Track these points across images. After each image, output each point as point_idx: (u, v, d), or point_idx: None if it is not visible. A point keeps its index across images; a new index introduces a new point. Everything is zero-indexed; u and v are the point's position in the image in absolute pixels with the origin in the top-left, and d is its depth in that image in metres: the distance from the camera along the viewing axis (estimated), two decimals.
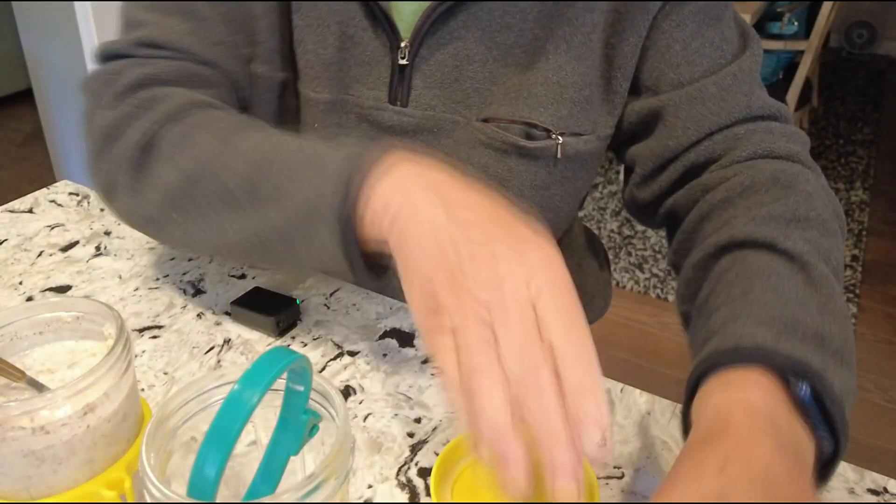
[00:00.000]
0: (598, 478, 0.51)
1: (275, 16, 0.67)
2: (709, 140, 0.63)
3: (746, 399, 0.42)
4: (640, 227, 2.54)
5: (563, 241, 0.84)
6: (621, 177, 2.90)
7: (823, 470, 0.44)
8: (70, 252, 0.75)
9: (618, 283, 2.25)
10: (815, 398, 0.43)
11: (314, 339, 0.64)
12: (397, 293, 0.58)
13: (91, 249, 0.76)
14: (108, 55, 0.65)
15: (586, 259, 0.87)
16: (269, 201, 0.52)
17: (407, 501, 0.49)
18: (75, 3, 2.02)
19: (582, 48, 0.64)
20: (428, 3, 0.64)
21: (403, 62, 0.66)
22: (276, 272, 0.72)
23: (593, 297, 0.88)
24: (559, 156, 0.66)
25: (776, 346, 0.44)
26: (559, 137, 0.66)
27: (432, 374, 0.60)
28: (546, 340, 0.40)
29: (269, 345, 0.63)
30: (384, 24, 0.65)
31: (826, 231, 0.55)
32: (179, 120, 0.59)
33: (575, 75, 0.65)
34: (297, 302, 0.65)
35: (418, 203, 0.47)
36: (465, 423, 0.39)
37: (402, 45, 0.65)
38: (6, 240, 0.77)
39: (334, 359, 0.61)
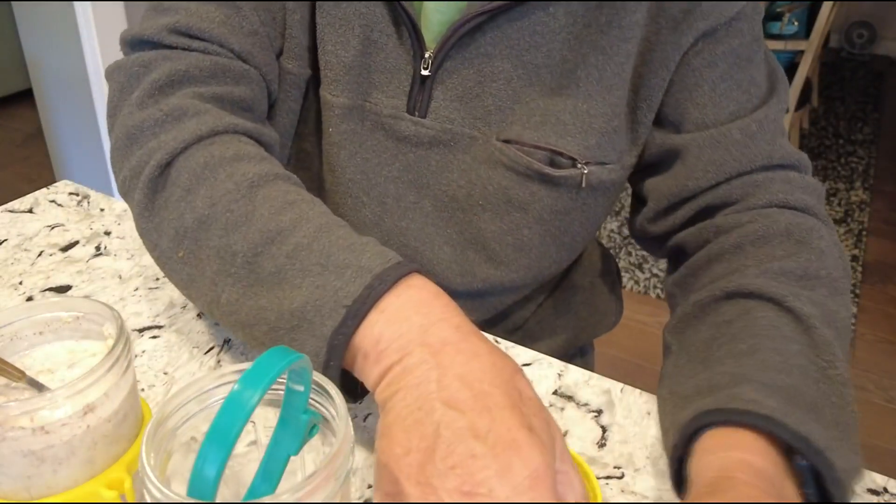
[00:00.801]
0: (598, 478, 0.51)
1: (306, 10, 0.66)
2: (727, 184, 0.63)
3: (751, 461, 0.43)
4: None
5: (578, 260, 0.83)
6: None
7: None
8: (70, 252, 0.75)
9: (621, 289, 2.25)
10: (815, 474, 0.44)
11: None
12: None
13: (91, 249, 0.76)
14: (137, 41, 0.62)
15: (599, 278, 0.86)
16: (266, 283, 0.49)
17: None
18: (75, 3, 2.02)
19: (614, 78, 0.63)
20: (458, 15, 0.63)
21: (426, 73, 0.64)
22: None
23: (605, 315, 0.87)
24: (584, 185, 0.65)
25: (784, 419, 0.44)
26: (585, 167, 0.64)
27: None
28: None
29: None
30: (410, 31, 0.63)
31: (835, 290, 0.55)
32: (207, 145, 0.55)
33: (605, 105, 0.63)
34: None
35: (412, 365, 0.42)
36: None
37: (427, 55, 0.64)
38: (6, 240, 0.77)
39: None
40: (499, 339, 0.64)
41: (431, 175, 0.68)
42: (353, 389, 0.48)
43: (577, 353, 0.88)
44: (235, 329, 0.52)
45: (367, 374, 0.44)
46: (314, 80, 0.69)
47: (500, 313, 0.77)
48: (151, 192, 0.55)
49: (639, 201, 0.72)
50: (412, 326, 0.43)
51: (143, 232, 0.57)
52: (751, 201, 0.62)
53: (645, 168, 0.69)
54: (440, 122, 0.66)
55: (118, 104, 0.60)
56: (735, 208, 0.63)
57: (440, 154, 0.67)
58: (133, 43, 0.62)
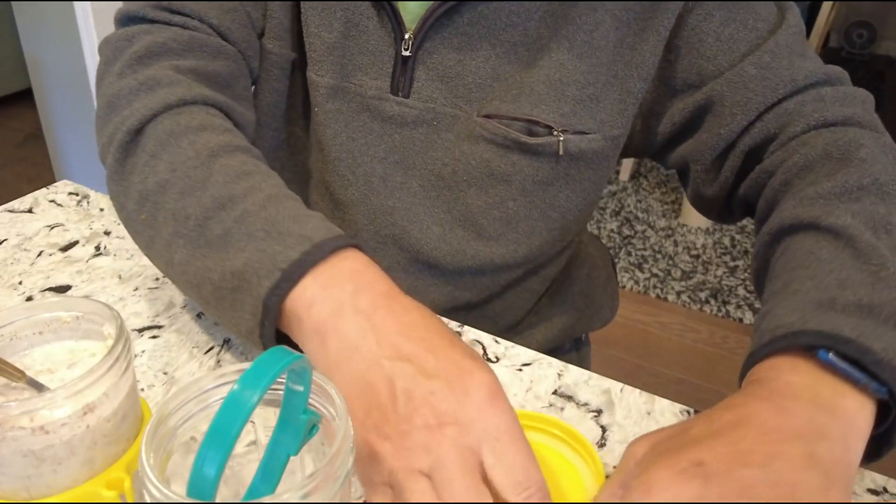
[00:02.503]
0: None
1: None
2: (760, 121, 0.63)
3: (786, 380, 0.42)
4: (639, 227, 2.54)
5: (573, 252, 0.84)
6: (621, 177, 2.90)
7: (887, 432, 0.44)
8: (70, 252, 0.75)
9: (617, 284, 2.25)
10: (857, 363, 0.42)
11: None
12: None
13: (91, 249, 0.76)
14: (125, 18, 0.66)
15: (595, 270, 0.87)
16: (213, 245, 0.51)
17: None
18: (75, 3, 2.02)
19: (584, 46, 0.64)
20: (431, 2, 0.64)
21: (406, 53, 0.66)
22: None
23: (601, 308, 0.87)
24: (561, 153, 0.66)
25: (803, 327, 0.43)
26: (561, 134, 0.66)
27: None
28: (491, 489, 0.38)
29: None
30: (389, 13, 0.65)
31: (884, 194, 0.53)
32: (174, 114, 0.58)
33: (577, 73, 0.64)
34: None
35: (347, 330, 0.44)
36: None
37: (406, 36, 0.65)
38: (6, 239, 0.77)
39: None
40: (498, 339, 0.64)
41: (417, 154, 0.69)
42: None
43: (572, 347, 0.88)
44: (187, 289, 0.55)
45: (305, 341, 0.47)
46: (301, 64, 0.71)
47: (499, 299, 0.77)
48: (122, 156, 0.58)
49: (684, 174, 0.71)
50: (344, 292, 0.46)
51: (113, 195, 0.60)
52: (789, 130, 0.61)
53: (677, 138, 0.69)
54: (423, 102, 0.67)
55: (102, 76, 0.64)
56: (778, 143, 0.62)
57: (424, 133, 0.68)
58: (122, 20, 0.67)
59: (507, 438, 0.39)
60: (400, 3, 0.65)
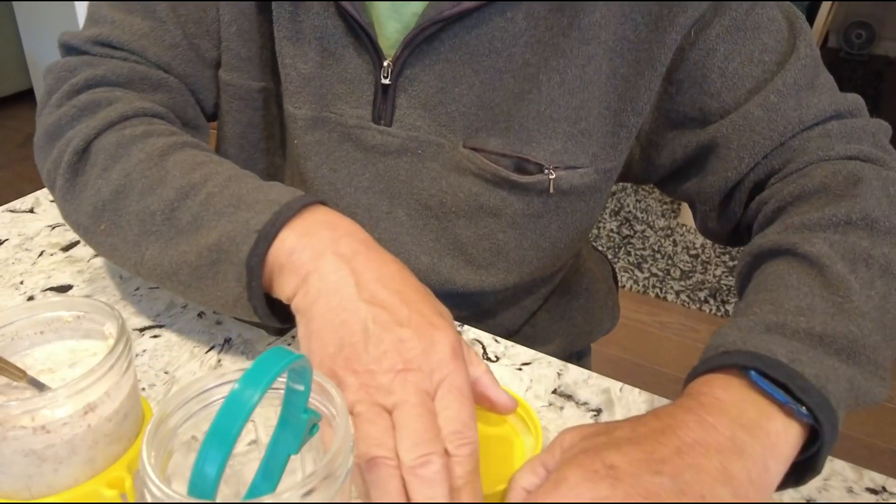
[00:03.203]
0: None
1: (248, 22, 0.66)
2: (764, 160, 0.62)
3: (714, 395, 0.43)
4: (639, 227, 2.54)
5: (571, 269, 0.83)
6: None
7: (812, 458, 0.44)
8: (71, 252, 0.75)
9: (618, 294, 2.25)
10: (786, 387, 0.42)
11: None
12: None
13: (92, 249, 0.76)
14: (67, 48, 0.66)
15: (595, 284, 0.86)
16: (185, 232, 0.53)
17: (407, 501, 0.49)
18: (75, 2, 2.02)
19: (576, 81, 0.61)
20: (413, 22, 0.62)
21: (386, 81, 0.64)
22: None
23: (602, 321, 0.87)
24: (551, 190, 0.65)
25: (741, 347, 0.44)
26: (552, 172, 0.64)
27: None
28: (440, 442, 0.41)
29: (270, 344, 0.63)
30: (366, 41, 0.63)
31: (873, 229, 0.52)
32: (119, 128, 0.60)
33: (568, 109, 0.62)
34: None
35: (328, 272, 0.47)
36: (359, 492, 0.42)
37: (385, 63, 0.63)
38: (7, 239, 0.78)
39: None
40: (498, 339, 0.64)
41: (402, 184, 0.68)
42: (286, 315, 0.51)
43: (573, 356, 0.88)
44: (162, 281, 0.56)
45: (285, 285, 0.48)
46: (276, 95, 0.69)
47: (491, 317, 0.77)
48: (72, 175, 0.59)
49: (692, 206, 0.71)
50: (322, 238, 0.48)
51: (67, 215, 0.61)
52: (791, 166, 0.61)
53: (681, 172, 0.68)
54: (406, 130, 0.65)
55: (42, 106, 0.65)
56: (778, 176, 0.61)
57: (409, 162, 0.67)
58: (64, 49, 0.67)
59: (457, 393, 0.43)
60: (378, 27, 0.64)
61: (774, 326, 0.45)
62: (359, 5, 0.61)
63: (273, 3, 0.64)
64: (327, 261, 0.47)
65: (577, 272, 0.84)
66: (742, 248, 0.60)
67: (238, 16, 0.66)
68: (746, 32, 0.61)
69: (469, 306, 0.74)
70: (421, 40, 0.61)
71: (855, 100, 0.63)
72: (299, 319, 0.48)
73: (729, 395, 0.43)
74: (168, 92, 0.67)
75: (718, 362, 0.45)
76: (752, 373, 0.43)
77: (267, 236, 0.49)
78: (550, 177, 0.64)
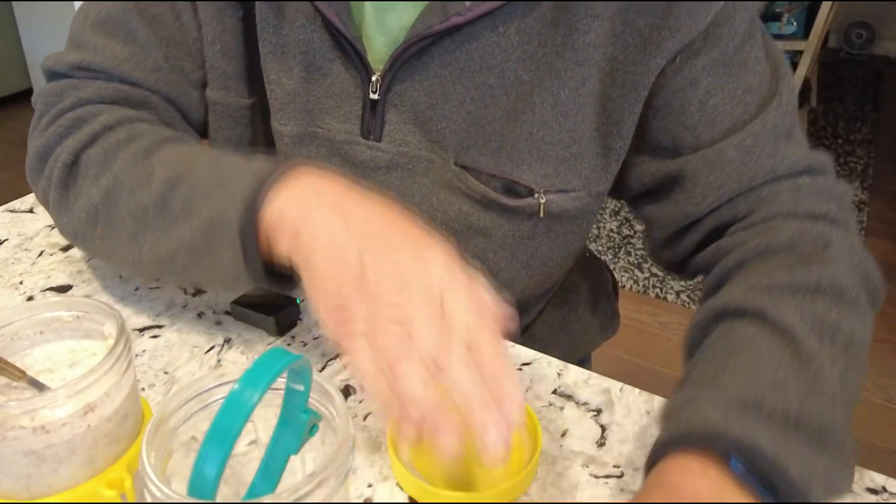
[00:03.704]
0: (597, 477, 0.51)
1: (232, 39, 0.65)
2: (729, 203, 0.61)
3: (693, 486, 0.42)
4: (639, 227, 2.54)
5: (570, 279, 0.82)
6: None
7: None
8: (70, 252, 0.75)
9: (617, 301, 2.25)
10: (769, 481, 0.42)
11: (314, 339, 0.64)
12: None
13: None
14: (51, 74, 0.67)
15: (594, 294, 0.85)
16: (179, 219, 0.54)
17: (407, 501, 0.49)
18: (75, 2, 2.03)
19: (570, 104, 0.60)
20: (402, 37, 0.61)
21: (375, 97, 0.63)
22: None
23: (603, 329, 0.86)
24: (542, 214, 0.64)
25: (725, 431, 0.43)
26: (542, 196, 0.63)
27: (432, 374, 0.60)
28: (458, 331, 0.43)
29: (270, 344, 0.63)
30: (353, 56, 0.62)
31: (840, 300, 0.52)
32: (104, 138, 0.61)
33: (562, 132, 0.61)
34: (298, 301, 0.66)
35: (317, 223, 0.48)
36: (389, 412, 0.42)
37: (374, 78, 0.62)
38: (7, 239, 0.78)
39: (334, 358, 0.62)
40: None
41: (392, 200, 0.67)
42: (288, 279, 0.53)
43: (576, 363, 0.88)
44: (162, 270, 0.58)
45: (281, 245, 0.50)
46: (264, 109, 0.68)
47: None
48: (63, 189, 0.61)
49: (647, 229, 0.70)
50: (307, 193, 0.50)
51: (62, 227, 0.63)
52: (756, 217, 0.59)
53: (645, 194, 0.67)
54: (396, 146, 0.64)
55: (32, 131, 0.66)
56: (741, 224, 0.60)
57: (399, 178, 0.66)
58: (48, 74, 0.67)
59: (463, 293, 0.44)
60: (367, 41, 0.62)
61: (753, 405, 0.44)
62: (346, 18, 0.60)
63: (258, 18, 0.63)
64: (315, 213, 0.49)
65: (574, 284, 0.83)
66: (704, 302, 0.57)
67: (221, 34, 0.65)
68: (732, 69, 0.59)
69: None
70: (410, 55, 0.60)
71: (826, 158, 0.62)
72: (302, 275, 0.49)
73: (707, 485, 0.42)
74: (153, 109, 0.66)
75: (700, 444, 0.43)
76: (736, 463, 0.42)
77: (255, 203, 0.51)
78: (541, 200, 0.63)
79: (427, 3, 0.59)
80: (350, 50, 0.62)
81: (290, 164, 0.52)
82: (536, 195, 0.63)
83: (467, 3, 0.57)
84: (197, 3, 0.65)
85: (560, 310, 0.82)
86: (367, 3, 0.62)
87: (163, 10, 0.65)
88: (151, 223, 0.56)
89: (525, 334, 0.80)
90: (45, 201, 0.64)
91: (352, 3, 0.61)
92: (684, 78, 0.59)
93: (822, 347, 0.48)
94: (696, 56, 0.58)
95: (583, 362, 0.90)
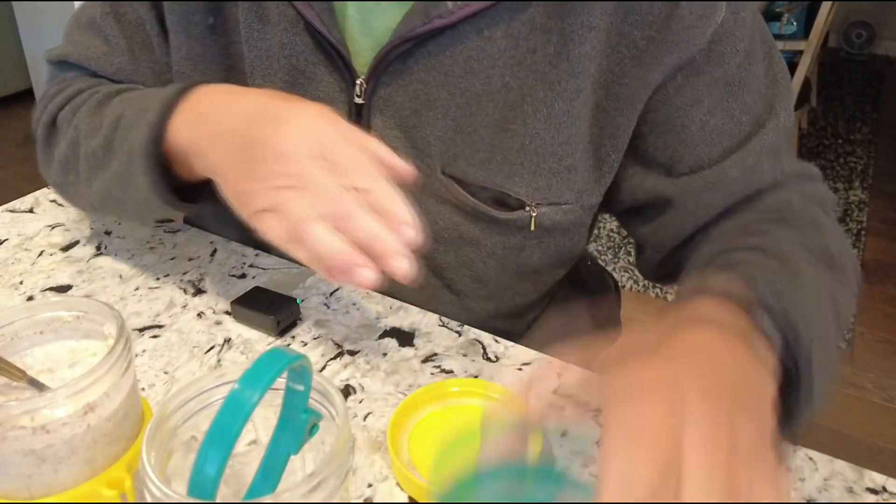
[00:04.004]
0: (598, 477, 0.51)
1: (199, 47, 0.66)
2: (727, 212, 0.62)
3: (716, 314, 0.44)
4: None
5: (570, 285, 0.82)
6: None
7: (788, 416, 0.45)
8: (70, 252, 0.75)
9: (619, 307, 2.24)
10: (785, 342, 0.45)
11: (314, 339, 0.64)
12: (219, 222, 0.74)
13: (91, 249, 0.76)
14: (48, 64, 0.76)
15: (597, 300, 0.84)
16: (113, 155, 0.60)
17: (407, 501, 0.49)
18: (75, 2, 2.03)
19: (563, 116, 0.59)
20: (385, 39, 0.60)
21: (359, 101, 0.62)
22: (276, 272, 0.72)
23: (604, 332, 0.87)
24: (533, 227, 0.63)
25: (749, 293, 0.46)
26: (534, 209, 0.62)
27: (432, 374, 0.60)
28: (344, 178, 0.47)
29: (270, 344, 0.63)
30: (337, 59, 0.61)
31: (832, 262, 0.54)
32: (74, 99, 0.68)
33: (554, 145, 0.60)
34: (298, 301, 0.66)
35: (212, 130, 0.53)
36: (316, 268, 0.47)
37: (358, 82, 0.61)
38: (7, 239, 0.78)
39: (334, 358, 0.62)
40: (498, 339, 0.64)
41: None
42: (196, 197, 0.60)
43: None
44: (106, 205, 0.67)
45: (192, 164, 0.56)
46: None
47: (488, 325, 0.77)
48: (46, 148, 0.70)
49: (641, 247, 0.70)
50: (201, 109, 0.56)
51: (48, 179, 0.72)
52: (744, 217, 0.61)
53: (638, 213, 0.66)
54: None
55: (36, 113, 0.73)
56: (729, 220, 0.62)
57: None
58: (48, 65, 0.76)
59: (342, 145, 0.48)
60: (352, 45, 0.62)
61: (765, 286, 0.47)
62: (328, 21, 0.60)
63: (242, 24, 0.63)
64: (208, 122, 0.54)
65: (576, 292, 0.82)
66: (698, 248, 0.61)
67: (186, 41, 0.66)
68: (733, 88, 0.59)
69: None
70: (393, 58, 0.59)
71: (813, 170, 0.65)
72: (215, 181, 0.54)
73: (732, 318, 0.44)
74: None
75: (746, 300, 0.45)
76: (764, 318, 0.45)
77: (157, 125, 0.56)
78: (532, 213, 0.62)
79: (411, 4, 0.58)
80: (333, 53, 0.61)
81: (190, 85, 0.57)
82: (528, 208, 0.62)
83: (450, 5, 0.56)
84: (164, 11, 0.67)
85: (561, 317, 0.81)
86: (349, 3, 0.61)
87: (135, 17, 0.69)
88: (99, 164, 0.62)
89: (524, 338, 0.80)
90: (41, 166, 0.71)
91: (335, 3, 0.61)
92: (686, 96, 0.58)
93: (818, 272, 0.53)
94: (698, 74, 0.58)
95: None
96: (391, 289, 0.70)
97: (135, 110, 0.60)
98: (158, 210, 0.61)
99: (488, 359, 0.62)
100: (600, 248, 2.40)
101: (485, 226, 0.64)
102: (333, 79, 0.63)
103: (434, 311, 0.68)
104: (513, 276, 0.68)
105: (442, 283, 0.69)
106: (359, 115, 0.63)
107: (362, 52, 0.62)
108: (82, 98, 0.67)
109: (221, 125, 0.53)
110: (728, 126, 0.59)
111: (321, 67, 0.63)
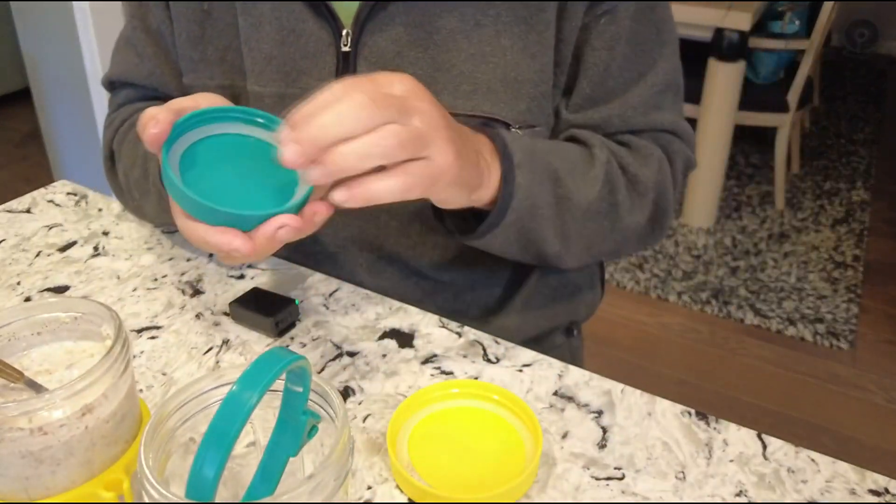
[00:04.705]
0: (598, 479, 0.51)
1: (195, 28, 0.72)
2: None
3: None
4: None
5: None
6: None
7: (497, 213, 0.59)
8: (68, 252, 0.75)
9: (618, 284, 2.25)
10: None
11: (313, 340, 0.63)
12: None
13: (89, 249, 0.76)
14: (105, 86, 0.82)
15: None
16: (150, 183, 0.66)
17: (407, 502, 0.49)
18: (73, 2, 2.02)
19: (536, 46, 0.66)
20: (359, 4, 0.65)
21: (346, 49, 0.67)
22: (275, 273, 0.72)
23: (580, 289, 0.86)
24: None
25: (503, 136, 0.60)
26: (519, 131, 0.67)
27: (432, 375, 0.60)
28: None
29: (268, 345, 0.63)
30: (325, 13, 0.66)
31: (634, 184, 0.68)
32: (120, 131, 0.74)
33: (531, 72, 0.66)
34: (297, 302, 0.65)
35: None
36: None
37: (345, 32, 0.66)
38: (4, 240, 0.77)
39: (333, 359, 0.61)
40: (498, 340, 0.64)
41: None
42: None
43: (564, 341, 0.87)
44: (162, 221, 0.75)
45: None
46: (231, 88, 0.73)
47: (471, 296, 0.78)
48: (110, 173, 0.77)
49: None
50: None
51: (117, 196, 0.79)
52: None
53: None
54: None
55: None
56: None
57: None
58: (105, 87, 0.83)
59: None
60: (336, 2, 0.67)
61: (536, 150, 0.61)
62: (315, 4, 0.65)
63: (239, 15, 0.69)
64: None
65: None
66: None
67: (186, 25, 0.72)
68: (637, 41, 0.68)
69: (443, 282, 0.75)
70: (374, 4, 0.65)
71: (686, 128, 0.74)
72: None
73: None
74: (159, 101, 0.72)
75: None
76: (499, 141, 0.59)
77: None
78: (519, 135, 0.67)
79: None
80: (323, 8, 0.66)
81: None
82: (513, 130, 0.68)
83: None
84: (170, 6, 0.72)
85: (532, 267, 0.81)
86: None
87: (156, 23, 0.74)
88: (144, 191, 0.68)
89: (501, 297, 0.80)
90: (113, 192, 0.81)
91: None
92: (604, 40, 0.67)
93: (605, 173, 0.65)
94: (617, 23, 0.67)
95: (570, 337, 0.89)
96: (381, 243, 0.74)
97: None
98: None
99: (488, 360, 0.62)
100: None
101: None
102: (322, 33, 0.68)
103: (420, 257, 0.73)
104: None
105: (428, 227, 0.72)
106: (346, 63, 0.68)
107: (346, 6, 0.67)
108: (124, 130, 0.74)
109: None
110: (622, 73, 0.69)
111: (310, 24, 0.67)
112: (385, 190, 0.48)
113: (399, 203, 0.69)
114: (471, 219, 0.62)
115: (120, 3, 0.76)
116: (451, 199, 0.55)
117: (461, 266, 0.76)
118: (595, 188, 0.65)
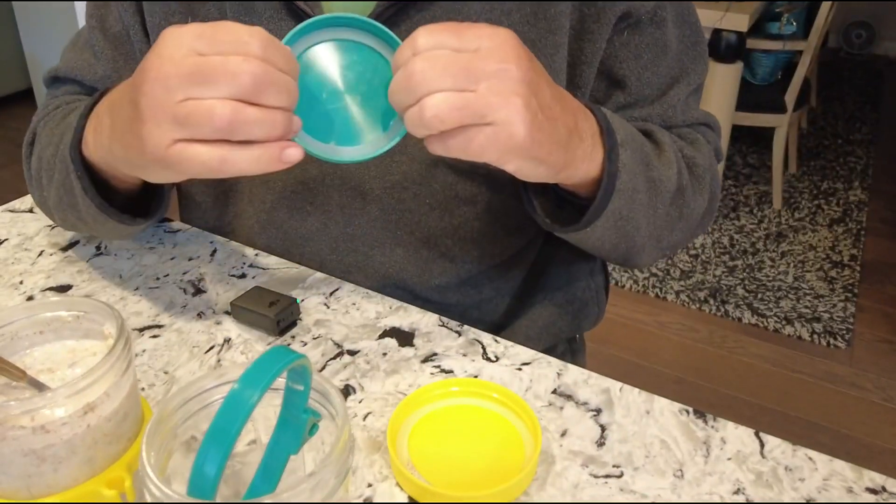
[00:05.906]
0: (597, 477, 0.51)
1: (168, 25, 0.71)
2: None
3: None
4: None
5: (549, 245, 0.82)
6: None
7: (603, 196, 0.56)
8: (70, 251, 0.75)
9: (616, 283, 2.25)
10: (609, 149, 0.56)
11: (314, 339, 0.64)
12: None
13: (91, 249, 0.76)
14: (45, 81, 0.80)
15: (575, 263, 0.86)
16: (57, 163, 0.63)
17: (407, 501, 0.49)
18: (75, 2, 2.02)
19: (547, 70, 0.63)
20: (367, 10, 0.63)
21: None
22: (276, 272, 0.72)
23: (585, 304, 0.86)
24: None
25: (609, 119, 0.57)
26: None
27: (432, 374, 0.60)
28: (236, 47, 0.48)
29: (269, 344, 0.63)
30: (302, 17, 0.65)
31: (692, 169, 0.67)
32: (53, 113, 0.72)
33: None
34: (297, 301, 0.66)
35: (112, 135, 0.54)
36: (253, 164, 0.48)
37: None
38: (7, 239, 0.78)
39: (334, 358, 0.62)
40: (498, 339, 0.64)
41: (373, 180, 0.69)
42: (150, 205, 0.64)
43: (566, 350, 0.87)
44: (58, 210, 0.67)
45: (114, 167, 0.57)
46: None
47: (477, 313, 0.77)
48: (26, 161, 0.73)
49: None
50: (102, 114, 0.57)
51: (35, 202, 0.74)
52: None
53: None
54: None
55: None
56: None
57: (381, 157, 0.67)
58: (44, 84, 0.80)
59: (209, 25, 0.47)
60: (325, 3, 0.65)
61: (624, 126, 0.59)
62: (312, 4, 0.63)
63: (229, 17, 0.66)
64: (102, 117, 0.55)
65: (554, 252, 0.82)
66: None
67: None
68: (663, 48, 0.68)
69: (449, 303, 0.75)
70: (384, 22, 0.62)
71: (714, 120, 0.76)
72: (121, 161, 0.54)
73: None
74: None
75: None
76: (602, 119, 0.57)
77: (77, 130, 0.58)
78: None
79: None
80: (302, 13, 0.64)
81: (99, 93, 0.59)
82: None
83: None
84: (145, 15, 0.70)
85: (538, 281, 0.81)
86: None
87: (120, 29, 0.73)
88: (50, 172, 0.65)
89: (507, 311, 0.80)
90: (26, 182, 0.74)
91: None
92: (630, 51, 0.67)
93: (664, 152, 0.64)
94: (641, 33, 0.66)
95: (574, 347, 0.89)
96: (387, 270, 0.72)
97: (77, 116, 0.61)
98: (98, 217, 0.61)
99: (488, 359, 0.62)
100: None
101: (481, 180, 0.67)
102: None
103: (427, 282, 0.72)
104: (501, 229, 0.72)
105: (436, 253, 0.71)
106: None
107: (339, 5, 0.66)
108: (53, 115, 0.71)
109: (110, 113, 0.54)
110: (655, 80, 0.68)
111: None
112: (441, 150, 0.48)
113: (405, 232, 0.70)
114: (566, 208, 0.60)
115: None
116: (528, 171, 0.51)
117: (468, 288, 0.75)
118: (672, 171, 0.63)
